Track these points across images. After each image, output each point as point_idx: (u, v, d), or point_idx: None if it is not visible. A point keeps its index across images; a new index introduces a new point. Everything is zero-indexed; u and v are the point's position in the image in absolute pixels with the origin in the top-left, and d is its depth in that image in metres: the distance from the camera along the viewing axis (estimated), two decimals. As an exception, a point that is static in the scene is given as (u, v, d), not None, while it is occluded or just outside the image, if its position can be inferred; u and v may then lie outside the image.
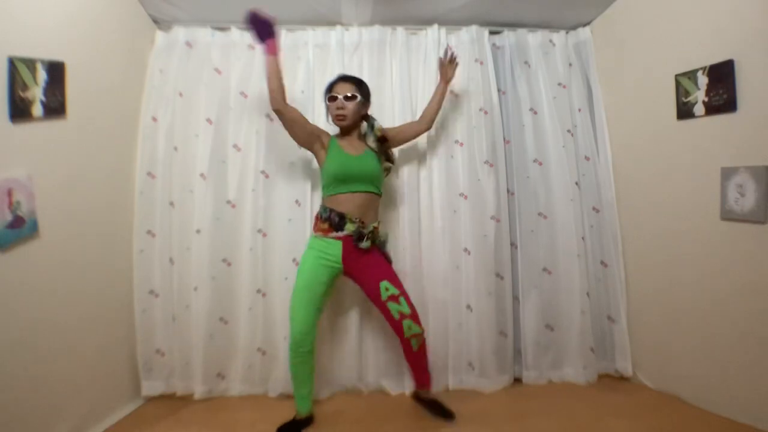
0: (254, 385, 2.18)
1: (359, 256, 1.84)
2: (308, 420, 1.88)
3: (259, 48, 1.95)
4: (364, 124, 1.99)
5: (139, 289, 2.13)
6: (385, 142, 1.98)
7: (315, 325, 1.84)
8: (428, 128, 2.15)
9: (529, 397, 2.14)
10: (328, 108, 1.98)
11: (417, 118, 2.29)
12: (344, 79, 1.96)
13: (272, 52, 1.86)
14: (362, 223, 1.84)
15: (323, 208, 1.88)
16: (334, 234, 1.83)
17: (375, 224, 1.89)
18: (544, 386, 2.25)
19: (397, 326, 1.80)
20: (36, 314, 1.54)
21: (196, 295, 2.14)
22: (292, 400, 2.10)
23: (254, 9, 1.85)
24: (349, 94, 1.89)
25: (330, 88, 1.95)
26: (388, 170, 2.05)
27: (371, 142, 1.95)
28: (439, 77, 2.15)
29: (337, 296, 2.21)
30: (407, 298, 1.83)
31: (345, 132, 1.97)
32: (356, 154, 1.91)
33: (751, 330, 1.73)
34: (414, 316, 1.80)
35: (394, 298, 1.79)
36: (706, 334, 1.90)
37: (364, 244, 1.82)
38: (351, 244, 1.83)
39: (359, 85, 1.95)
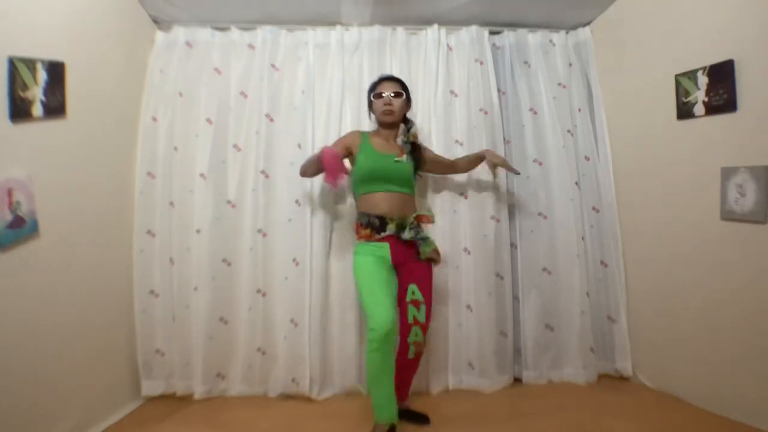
0: (254, 385, 2.17)
1: (407, 256, 1.84)
2: (394, 428, 1.73)
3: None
4: (402, 127, 1.99)
5: (139, 289, 2.12)
6: (416, 150, 1.97)
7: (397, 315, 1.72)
8: (459, 172, 2.18)
9: (529, 397, 2.14)
10: (372, 105, 1.99)
11: (417, 119, 2.29)
12: (389, 78, 2.00)
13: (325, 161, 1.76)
14: (401, 219, 1.85)
15: (361, 214, 1.87)
16: (378, 236, 1.83)
17: (414, 215, 1.89)
18: (544, 386, 2.25)
19: (405, 328, 1.78)
20: (36, 314, 1.54)
21: (196, 295, 2.14)
22: (291, 400, 2.10)
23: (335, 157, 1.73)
24: (394, 92, 1.93)
25: (374, 87, 1.98)
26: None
27: (401, 142, 1.96)
28: (486, 157, 2.05)
29: (336, 297, 2.21)
30: (428, 310, 1.83)
31: (385, 129, 1.97)
32: (388, 153, 1.91)
33: (751, 330, 1.72)
34: (425, 328, 1.81)
35: (416, 303, 1.80)
36: (706, 334, 1.90)
37: (406, 234, 1.82)
38: (396, 242, 1.83)
39: (403, 84, 2.00)
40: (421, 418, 1.90)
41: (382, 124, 1.97)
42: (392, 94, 1.92)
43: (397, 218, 1.83)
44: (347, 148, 1.93)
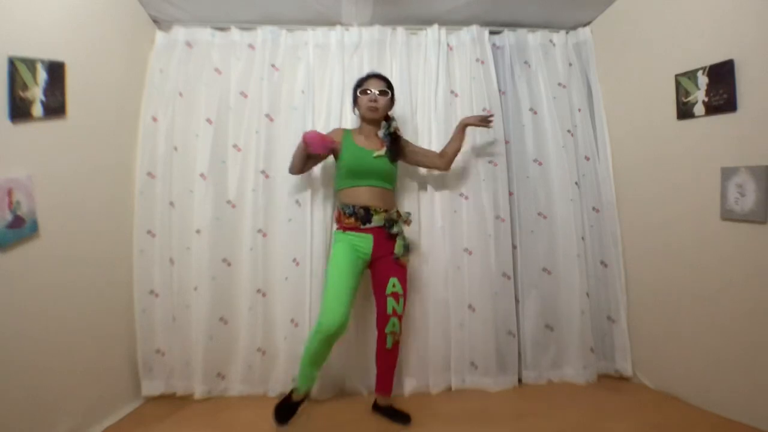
0: (254, 385, 2.17)
1: (386, 251, 1.89)
2: (305, 399, 1.90)
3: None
4: (383, 123, 2.02)
5: (139, 289, 2.12)
6: (396, 143, 1.99)
7: (350, 315, 1.81)
8: (446, 169, 2.15)
9: (528, 397, 2.14)
10: (357, 101, 2.01)
11: (417, 119, 2.30)
12: (376, 76, 2.03)
13: (308, 148, 1.89)
14: (386, 212, 1.90)
15: (345, 205, 1.91)
16: (363, 227, 1.87)
17: (396, 210, 1.97)
18: (544, 386, 2.25)
19: (384, 319, 1.87)
20: (36, 314, 1.54)
21: (196, 295, 2.14)
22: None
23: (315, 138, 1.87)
24: (380, 90, 1.97)
25: (361, 83, 2.01)
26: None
27: (383, 135, 1.99)
28: (462, 125, 2.12)
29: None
30: (405, 302, 1.91)
31: (368, 125, 2.01)
32: (370, 149, 1.95)
33: (750, 330, 1.72)
34: (401, 318, 1.88)
35: (395, 295, 1.87)
36: (706, 334, 1.90)
37: (395, 229, 1.89)
38: (380, 235, 1.89)
39: (389, 83, 2.03)
40: (403, 418, 1.90)
41: (365, 120, 2.01)
42: (378, 92, 1.96)
43: (382, 211, 1.89)
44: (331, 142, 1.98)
